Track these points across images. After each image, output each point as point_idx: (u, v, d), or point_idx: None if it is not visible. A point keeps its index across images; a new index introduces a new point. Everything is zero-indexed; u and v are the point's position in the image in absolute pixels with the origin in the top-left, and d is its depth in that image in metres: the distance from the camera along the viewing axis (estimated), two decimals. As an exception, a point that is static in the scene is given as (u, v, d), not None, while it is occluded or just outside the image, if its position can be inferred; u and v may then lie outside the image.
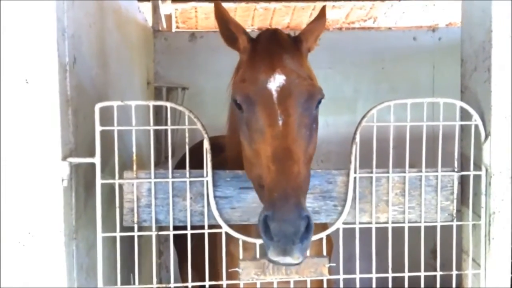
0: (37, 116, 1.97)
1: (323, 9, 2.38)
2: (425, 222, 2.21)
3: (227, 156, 2.39)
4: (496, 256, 2.19)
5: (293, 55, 2.09)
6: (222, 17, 2.14)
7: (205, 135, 2.08)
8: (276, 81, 1.95)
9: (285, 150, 1.81)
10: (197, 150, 2.30)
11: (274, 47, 2.08)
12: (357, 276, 2.21)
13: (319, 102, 2.01)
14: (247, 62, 2.09)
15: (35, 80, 1.95)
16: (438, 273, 2.24)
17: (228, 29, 2.15)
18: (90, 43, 2.41)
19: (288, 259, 1.73)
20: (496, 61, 2.16)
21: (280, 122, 1.88)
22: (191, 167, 2.10)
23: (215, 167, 2.11)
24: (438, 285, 2.22)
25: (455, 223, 2.23)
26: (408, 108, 2.18)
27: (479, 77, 2.26)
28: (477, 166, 2.23)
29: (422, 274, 2.24)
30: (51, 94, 1.97)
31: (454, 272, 2.25)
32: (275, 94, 1.93)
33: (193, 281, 2.18)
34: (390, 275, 2.22)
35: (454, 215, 2.22)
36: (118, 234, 2.08)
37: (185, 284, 2.12)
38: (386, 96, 2.26)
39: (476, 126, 2.20)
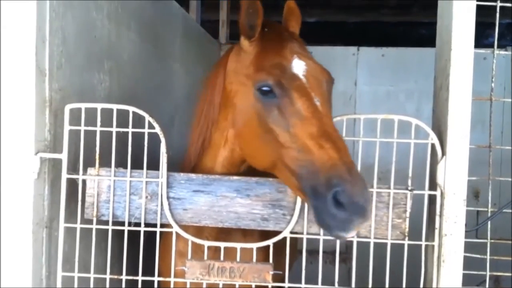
0: (13, 115, 2.18)
1: (288, 5, 2.47)
2: (375, 238, 2.20)
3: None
4: (447, 280, 2.13)
5: (300, 43, 2.27)
6: (256, 8, 2.18)
7: (162, 139, 2.22)
8: (301, 67, 2.11)
9: (331, 129, 1.97)
10: None
11: (283, 37, 2.24)
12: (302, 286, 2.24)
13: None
14: (261, 52, 2.19)
15: (11, 84, 2.18)
16: (389, 292, 2.22)
17: (253, 19, 2.19)
18: (79, 49, 2.59)
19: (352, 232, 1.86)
20: (454, 79, 2.11)
21: (318, 104, 2.03)
22: None
23: None
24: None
25: (406, 242, 2.20)
26: (361, 123, 2.19)
27: (442, 96, 2.22)
28: (434, 186, 2.18)
29: (371, 292, 2.23)
30: (27, 96, 2.18)
31: (405, 291, 2.22)
32: (304, 79, 2.08)
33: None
34: (337, 288, 2.23)
35: (406, 234, 2.19)
36: (78, 226, 2.26)
37: (136, 278, 2.26)
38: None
39: (433, 145, 2.16)
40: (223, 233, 2.48)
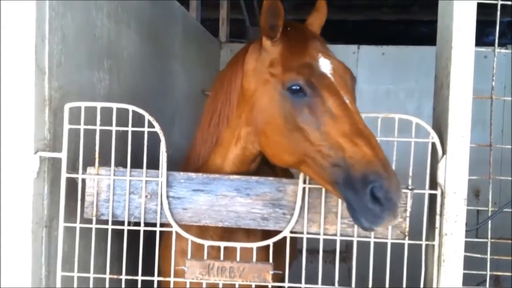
0: (13, 114, 2.19)
1: (320, 4, 2.47)
2: (375, 237, 2.19)
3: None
4: (447, 280, 2.13)
5: (322, 42, 2.30)
6: (277, 9, 2.16)
7: (162, 138, 2.21)
8: (327, 65, 2.14)
9: (363, 126, 1.99)
10: None
11: (307, 36, 2.26)
12: (302, 286, 2.23)
13: None
14: (286, 51, 2.20)
15: (11, 82, 2.18)
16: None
17: (274, 19, 2.18)
18: (78, 48, 2.59)
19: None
20: (455, 77, 2.11)
21: (348, 102, 2.04)
22: None
23: None
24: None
25: (407, 242, 2.19)
26: (361, 121, 2.18)
27: (443, 94, 2.22)
28: (435, 185, 2.18)
29: (371, 291, 2.23)
30: (26, 95, 2.17)
31: (405, 291, 2.22)
32: (332, 78, 2.10)
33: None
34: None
35: (406, 233, 2.19)
36: (78, 225, 2.26)
37: (135, 278, 2.25)
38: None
39: (434, 144, 2.16)
40: (227, 233, 2.48)
